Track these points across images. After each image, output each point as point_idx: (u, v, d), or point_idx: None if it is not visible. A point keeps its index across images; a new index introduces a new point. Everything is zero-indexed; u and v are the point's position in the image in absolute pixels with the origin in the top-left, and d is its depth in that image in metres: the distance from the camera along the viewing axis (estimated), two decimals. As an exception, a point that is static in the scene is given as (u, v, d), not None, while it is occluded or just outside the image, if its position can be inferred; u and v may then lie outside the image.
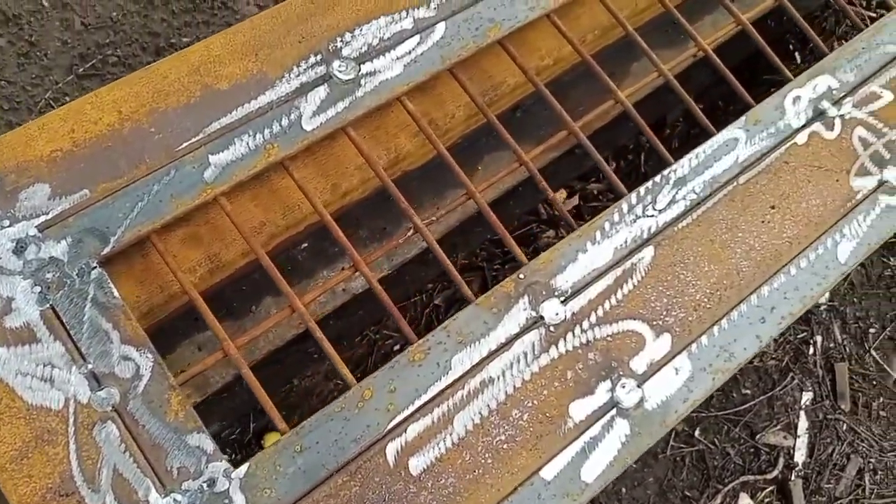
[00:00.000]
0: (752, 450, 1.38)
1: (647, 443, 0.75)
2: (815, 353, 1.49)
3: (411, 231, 0.80)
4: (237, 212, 0.78)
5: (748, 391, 1.43)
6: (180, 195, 0.73)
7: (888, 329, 1.55)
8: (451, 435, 0.71)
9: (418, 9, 0.87)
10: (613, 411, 0.75)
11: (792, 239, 0.87)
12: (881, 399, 1.49)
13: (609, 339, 0.78)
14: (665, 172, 0.87)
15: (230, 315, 0.85)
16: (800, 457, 1.40)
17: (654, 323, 0.79)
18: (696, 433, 1.37)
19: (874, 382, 1.50)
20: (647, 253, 0.82)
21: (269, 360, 0.84)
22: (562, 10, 0.94)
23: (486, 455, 0.71)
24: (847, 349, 1.51)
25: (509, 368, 0.74)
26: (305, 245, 0.89)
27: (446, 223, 0.95)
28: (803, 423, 1.43)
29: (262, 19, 0.82)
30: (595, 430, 0.74)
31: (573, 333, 0.77)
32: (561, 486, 0.71)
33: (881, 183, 0.92)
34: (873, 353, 1.52)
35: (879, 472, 1.42)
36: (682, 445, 1.37)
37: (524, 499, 0.70)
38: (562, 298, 0.78)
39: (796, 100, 0.94)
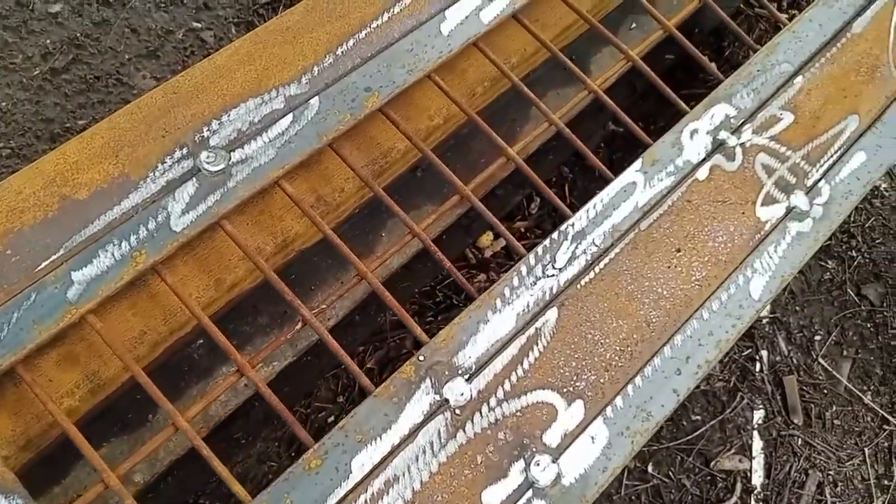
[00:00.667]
0: (708, 478, 1.35)
1: (567, 522, 0.71)
2: (761, 369, 1.46)
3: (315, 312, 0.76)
4: (114, 324, 0.74)
5: (698, 417, 1.40)
6: (43, 320, 0.68)
7: (833, 334, 1.54)
8: (356, 544, 0.66)
9: (289, 86, 0.83)
10: (529, 493, 0.71)
11: (701, 281, 0.84)
12: (834, 408, 1.47)
13: (519, 414, 0.74)
14: (563, 227, 0.83)
15: (125, 429, 0.80)
16: (757, 479, 1.37)
17: (565, 390, 0.76)
18: (650, 468, 1.34)
19: (825, 391, 1.48)
20: (551, 315, 0.79)
21: (167, 475, 0.79)
22: (444, 68, 0.91)
23: (396, 561, 0.66)
24: (794, 360, 1.49)
25: (415, 462, 0.70)
26: (201, 342, 0.84)
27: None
28: (757, 444, 1.40)
29: (120, 117, 0.78)
30: (511, 516, 0.70)
31: (480, 414, 0.73)
32: (478, 585, 0.67)
33: (789, 210, 0.90)
34: (821, 361, 1.50)
35: (840, 484, 1.40)
36: (637, 483, 1.33)
37: None
38: (466, 376, 0.74)
39: (693, 133, 0.92)
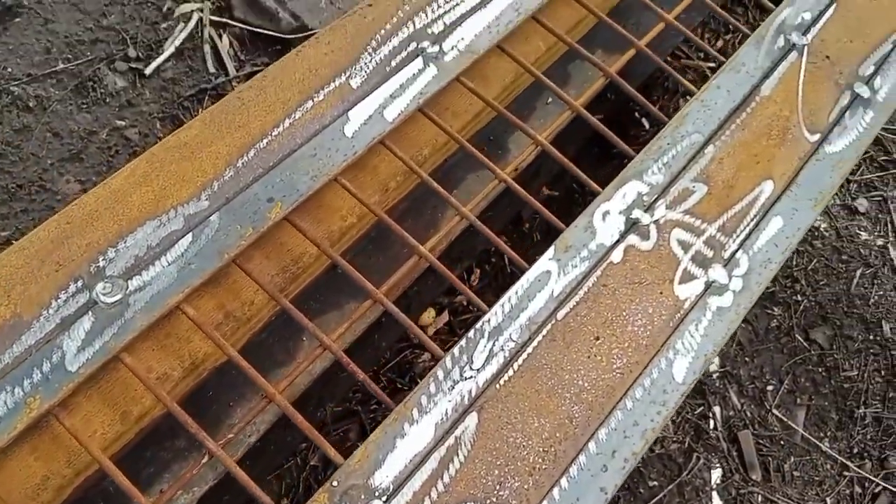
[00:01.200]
0: (669, 546, 1.33)
1: None
2: (715, 426, 1.45)
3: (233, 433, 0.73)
4: (11, 473, 0.70)
5: (655, 482, 1.38)
6: (-72, 481, 0.65)
7: (785, 382, 1.53)
8: None
9: (188, 204, 0.81)
10: None
11: (622, 369, 0.82)
12: (792, 459, 1.46)
13: (441, 532, 0.71)
14: (478, 325, 0.82)
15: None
16: (720, 541, 1.34)
17: (489, 502, 0.73)
18: (609, 542, 1.31)
19: (782, 443, 1.47)
20: (471, 421, 0.77)
21: None
22: (353, 167, 0.90)
23: None
24: (748, 413, 1.48)
25: None
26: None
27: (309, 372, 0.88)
28: (717, 504, 1.38)
29: (10, 255, 0.75)
30: None
31: (400, 537, 0.71)
32: None
33: (708, 285, 0.89)
34: (775, 411, 1.49)
35: (803, 538, 1.38)
36: (597, 557, 1.30)
37: None
38: (383, 498, 0.72)
39: (606, 215, 0.91)
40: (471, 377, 0.79)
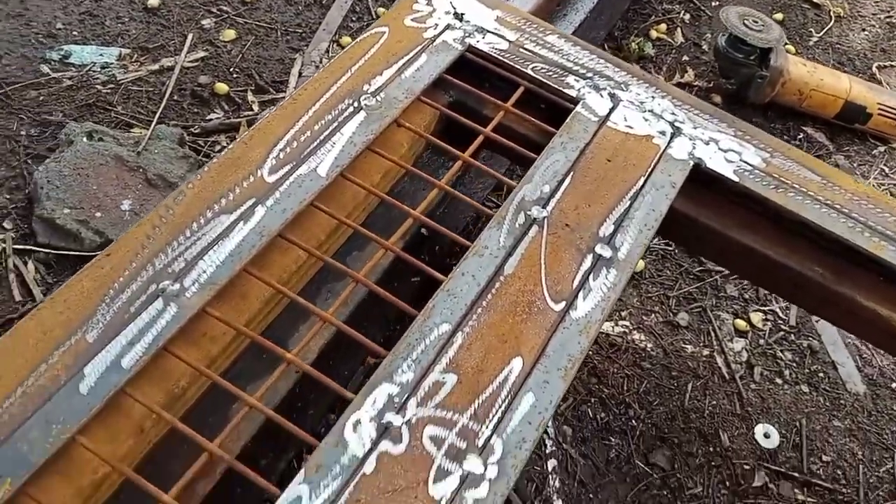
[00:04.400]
0: None
1: None
2: (565, 576, 1.44)
3: None
4: None
5: None
6: None
7: (632, 512, 1.54)
8: None
9: None
10: None
11: (378, 588, 0.82)
12: (648, 592, 1.46)
13: None
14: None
15: None
16: None
17: None
18: None
19: (635, 577, 1.47)
20: None
21: None
22: (93, 426, 0.90)
23: None
24: (598, 554, 1.48)
25: None
26: None
27: None
28: None
29: None
30: None
31: None
32: None
33: (464, 479, 0.91)
34: (625, 545, 1.50)
35: None
36: None
37: None
38: None
39: (357, 425, 0.93)
40: None
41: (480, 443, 0.94)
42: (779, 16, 2.69)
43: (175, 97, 1.99)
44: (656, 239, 2.02)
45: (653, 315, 1.85)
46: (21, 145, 1.79)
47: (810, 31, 2.69)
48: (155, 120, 1.88)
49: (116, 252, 1.01)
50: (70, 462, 0.90)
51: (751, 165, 1.29)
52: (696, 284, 1.93)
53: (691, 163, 1.28)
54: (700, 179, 1.29)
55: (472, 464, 0.92)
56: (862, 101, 2.27)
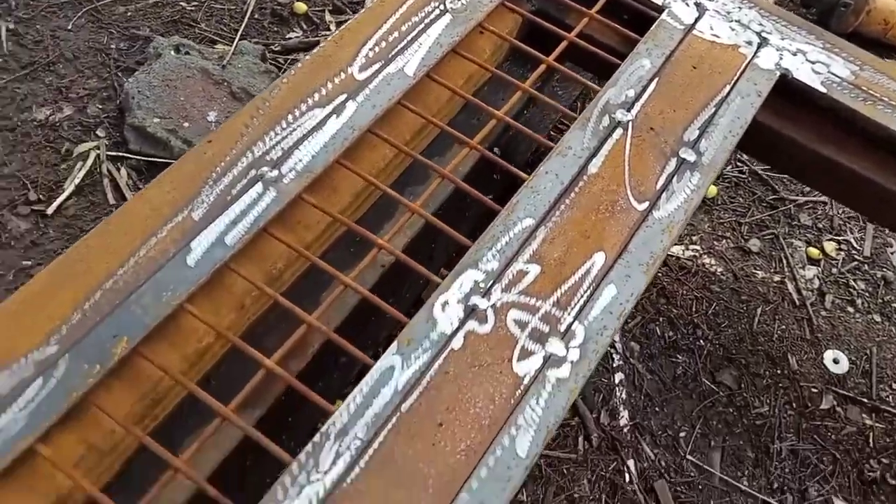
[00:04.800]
0: None
1: None
2: (631, 480, 1.48)
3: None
4: None
5: (573, 547, 1.40)
6: None
7: (697, 427, 1.57)
8: None
9: (37, 350, 0.87)
10: None
11: (466, 451, 0.87)
12: (711, 502, 1.49)
13: None
14: (324, 429, 0.87)
15: None
16: None
17: None
18: None
19: (700, 488, 1.50)
20: (318, 524, 0.81)
21: None
22: (200, 296, 0.96)
23: None
24: (663, 463, 1.52)
25: None
26: None
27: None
28: (637, 560, 1.40)
29: None
30: None
31: None
32: None
33: (546, 359, 0.95)
34: (690, 457, 1.53)
35: (727, 583, 1.40)
36: None
37: None
38: None
39: (445, 305, 0.97)
40: (317, 480, 0.83)
41: (562, 328, 0.98)
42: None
43: (256, 16, 2.03)
44: (730, 166, 2.00)
45: (724, 241, 1.84)
46: (111, 58, 1.85)
47: (899, -38, 2.58)
48: (237, 37, 1.92)
49: (218, 139, 1.06)
50: (178, 329, 0.96)
51: (839, 77, 1.28)
52: (769, 212, 1.92)
53: (778, 73, 1.27)
54: (785, 91, 1.28)
55: (555, 346, 0.96)
56: (952, 31, 2.19)
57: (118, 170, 1.67)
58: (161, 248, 0.96)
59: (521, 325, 0.97)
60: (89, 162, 1.67)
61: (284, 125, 1.10)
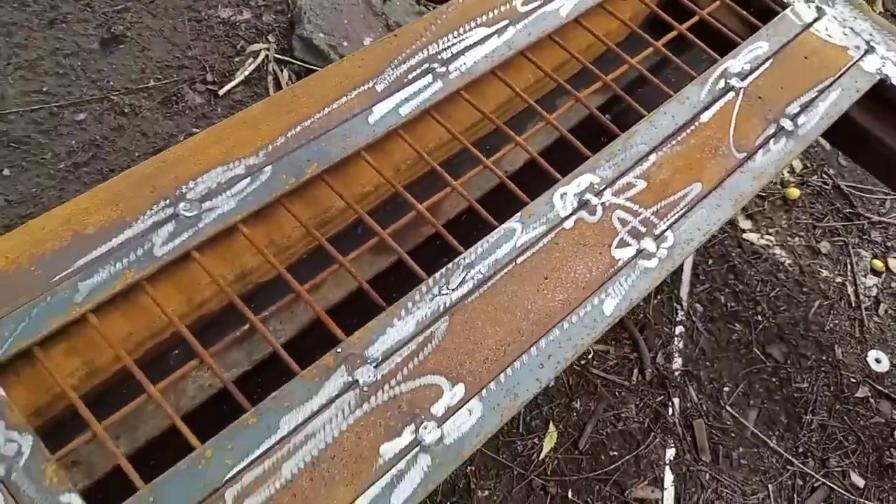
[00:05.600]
0: (622, 505, 1.54)
1: (445, 470, 0.93)
2: (673, 414, 1.67)
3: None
4: (107, 325, 0.99)
5: (615, 452, 1.60)
6: (55, 314, 0.94)
7: (741, 386, 1.75)
8: (279, 480, 0.89)
9: (249, 157, 1.12)
10: (417, 448, 0.94)
11: (563, 301, 1.08)
12: (741, 449, 1.67)
13: (413, 391, 0.97)
14: (457, 259, 1.09)
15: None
16: (667, 507, 1.55)
17: (451, 376, 0.99)
18: (570, 494, 1.53)
19: (733, 435, 1.68)
20: (443, 323, 1.03)
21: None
22: (372, 149, 1.19)
23: (310, 493, 0.88)
24: (704, 407, 1.70)
25: (329, 423, 0.93)
26: (177, 351, 1.09)
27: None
28: (668, 477, 1.59)
29: (118, 181, 1.06)
30: (402, 464, 0.92)
31: (383, 391, 0.97)
32: (371, 512, 0.89)
33: (639, 251, 1.16)
34: (729, 409, 1.71)
35: (743, 514, 1.58)
36: (559, 509, 1.52)
37: (340, 524, 0.87)
38: (374, 364, 0.98)
39: (563, 195, 1.19)
40: (446, 294, 1.06)
41: (657, 232, 1.18)
42: None
43: (414, -34, 2.28)
44: (815, 176, 2.17)
45: (797, 238, 2.01)
46: (288, -22, 2.13)
47: None
48: (397, -20, 2.18)
49: (402, 35, 1.30)
50: (355, 170, 1.21)
51: (932, 90, 1.45)
52: (844, 223, 2.08)
53: (877, 77, 1.45)
54: (882, 95, 1.46)
55: (648, 244, 1.16)
56: None
57: (282, 71, 1.93)
58: (349, 106, 1.20)
59: (624, 223, 1.18)
60: (259, 59, 1.93)
61: (455, 35, 1.33)
